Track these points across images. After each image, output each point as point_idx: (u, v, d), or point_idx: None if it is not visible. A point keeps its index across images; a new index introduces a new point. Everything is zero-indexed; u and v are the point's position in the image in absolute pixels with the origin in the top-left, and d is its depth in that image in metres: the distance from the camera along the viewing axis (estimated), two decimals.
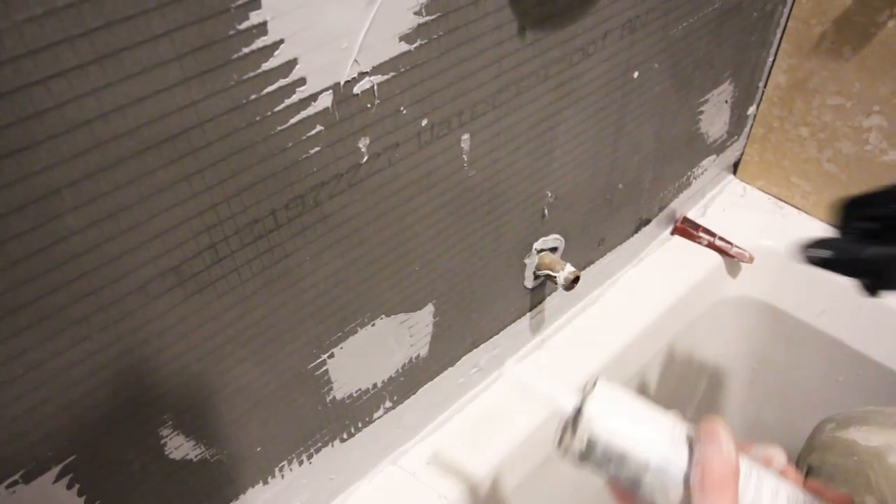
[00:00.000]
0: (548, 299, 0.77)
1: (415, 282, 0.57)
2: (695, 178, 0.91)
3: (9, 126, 0.30)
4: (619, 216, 0.79)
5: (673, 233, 0.94)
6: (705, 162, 0.91)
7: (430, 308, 0.61)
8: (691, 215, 0.94)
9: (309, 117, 0.41)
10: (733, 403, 1.05)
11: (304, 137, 0.42)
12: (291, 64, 0.38)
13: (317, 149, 0.43)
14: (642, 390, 0.94)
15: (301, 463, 0.58)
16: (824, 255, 0.51)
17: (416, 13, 0.42)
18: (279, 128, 0.40)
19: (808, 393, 0.94)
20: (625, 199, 0.78)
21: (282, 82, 0.38)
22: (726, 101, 0.85)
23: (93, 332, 0.38)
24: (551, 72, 0.56)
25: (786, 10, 0.82)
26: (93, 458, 0.42)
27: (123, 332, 0.39)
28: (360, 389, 0.59)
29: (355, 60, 0.41)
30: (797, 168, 0.92)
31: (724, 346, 0.99)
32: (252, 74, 0.37)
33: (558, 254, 0.72)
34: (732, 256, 0.91)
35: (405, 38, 0.43)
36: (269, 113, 0.39)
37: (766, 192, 0.98)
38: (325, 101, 0.41)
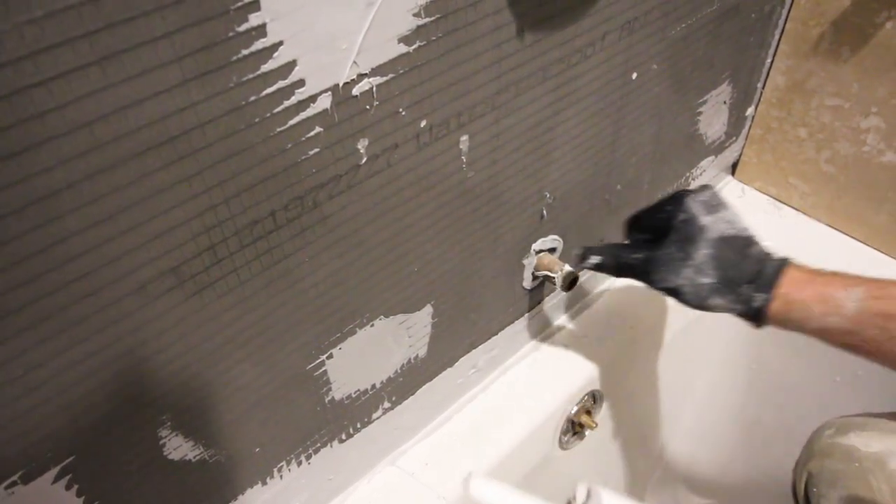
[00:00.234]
0: (546, 300, 0.77)
1: (413, 282, 0.57)
2: (693, 179, 0.91)
3: (9, 127, 0.30)
4: (618, 217, 0.80)
5: None
6: (704, 163, 0.91)
7: (428, 309, 0.61)
8: None
9: (308, 119, 0.41)
10: (731, 405, 1.05)
11: (304, 139, 0.42)
12: (290, 66, 0.38)
13: (316, 150, 0.43)
14: (642, 389, 0.94)
15: (300, 463, 0.58)
16: (595, 261, 0.63)
17: (415, 15, 0.43)
18: (278, 129, 0.40)
19: (807, 394, 0.94)
20: (623, 200, 0.78)
21: (281, 84, 0.38)
22: (725, 102, 0.85)
23: (92, 333, 0.38)
24: (550, 73, 0.56)
25: (784, 12, 0.83)
26: (92, 458, 0.42)
27: (123, 333, 0.40)
28: (358, 390, 0.59)
29: (354, 62, 0.41)
30: (795, 169, 0.92)
31: (722, 347, 0.99)
32: (251, 76, 0.37)
33: (557, 254, 0.72)
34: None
35: (404, 39, 0.43)
36: (268, 114, 0.39)
37: (764, 193, 0.98)
38: (325, 102, 0.41)
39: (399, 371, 0.62)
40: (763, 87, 0.90)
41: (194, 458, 0.48)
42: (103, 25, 0.30)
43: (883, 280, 0.52)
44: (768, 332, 0.57)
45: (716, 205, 0.59)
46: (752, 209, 0.97)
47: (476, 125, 0.53)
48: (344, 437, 0.61)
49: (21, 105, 0.30)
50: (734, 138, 0.94)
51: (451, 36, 0.46)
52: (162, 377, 0.43)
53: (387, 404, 0.64)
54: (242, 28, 0.35)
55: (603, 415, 0.85)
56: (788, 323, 0.55)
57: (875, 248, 0.89)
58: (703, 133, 0.86)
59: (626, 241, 0.64)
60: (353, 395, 0.59)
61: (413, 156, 0.49)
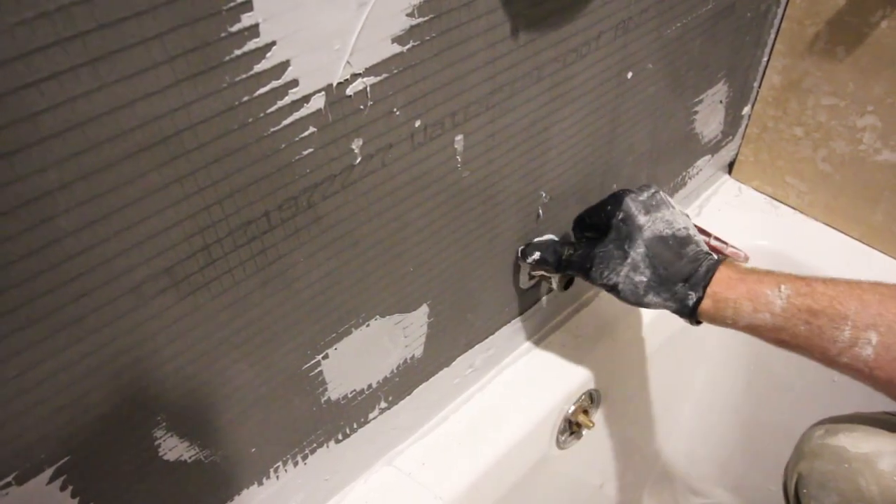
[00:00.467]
0: (543, 300, 0.77)
1: (409, 283, 0.57)
2: (690, 179, 0.91)
3: (1, 128, 0.30)
4: None
5: None
6: (700, 162, 0.91)
7: (424, 309, 0.61)
8: None
9: (302, 119, 0.41)
10: (730, 404, 1.05)
11: (297, 139, 0.42)
12: (284, 66, 0.38)
13: (310, 150, 0.43)
14: (640, 389, 0.94)
15: (296, 464, 0.58)
16: (536, 257, 0.66)
17: (408, 15, 0.43)
18: (272, 129, 0.40)
19: (805, 394, 0.94)
20: None
21: (274, 84, 0.38)
22: (721, 102, 0.85)
23: (86, 334, 0.38)
24: (545, 73, 0.56)
25: (780, 11, 0.83)
26: (87, 459, 0.42)
27: (117, 334, 0.39)
28: (355, 390, 0.59)
29: (348, 62, 0.41)
30: (792, 168, 0.92)
31: (721, 347, 0.99)
32: (244, 76, 0.37)
33: None
34: (727, 256, 0.91)
35: (398, 39, 0.43)
36: (261, 115, 0.39)
37: (761, 192, 0.98)
38: (318, 102, 0.41)
39: (395, 371, 0.62)
40: (759, 87, 0.90)
41: (190, 458, 0.48)
42: (95, 26, 0.30)
43: (810, 277, 0.54)
44: None
45: (654, 204, 0.60)
46: (748, 208, 0.97)
47: (471, 125, 0.53)
48: (340, 437, 0.61)
49: (13, 106, 0.30)
50: (730, 137, 0.94)
51: (445, 36, 0.46)
52: (157, 378, 0.43)
53: (383, 404, 0.64)
54: (235, 28, 0.35)
55: (600, 414, 0.86)
56: (721, 320, 0.57)
57: (872, 247, 0.90)
58: (699, 132, 0.86)
59: (572, 239, 0.67)
60: (350, 395, 0.59)
61: (408, 155, 0.49)
